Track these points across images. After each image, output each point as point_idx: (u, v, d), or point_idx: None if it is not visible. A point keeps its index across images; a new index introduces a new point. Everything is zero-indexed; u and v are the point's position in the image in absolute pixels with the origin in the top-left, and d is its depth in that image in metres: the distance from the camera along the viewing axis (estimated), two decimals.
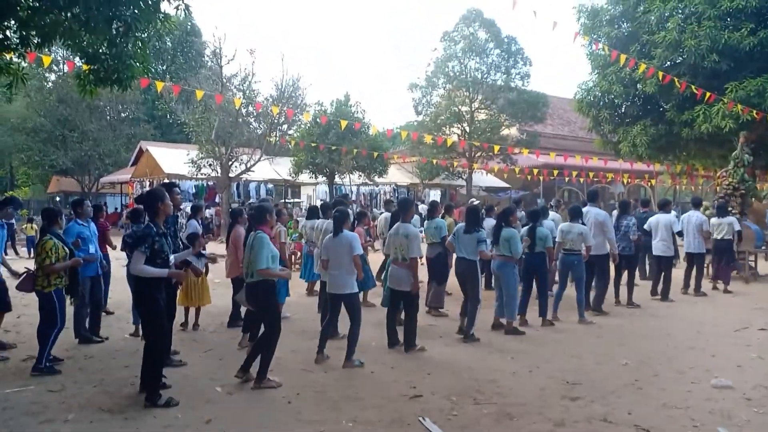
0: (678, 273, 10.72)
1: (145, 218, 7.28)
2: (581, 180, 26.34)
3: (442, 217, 9.36)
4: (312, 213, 9.57)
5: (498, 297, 7.67)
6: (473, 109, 27.09)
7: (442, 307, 8.57)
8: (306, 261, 9.70)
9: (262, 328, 5.61)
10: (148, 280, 4.85)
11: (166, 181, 22.83)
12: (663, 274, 9.90)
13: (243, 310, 6.91)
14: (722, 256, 10.82)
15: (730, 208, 12.71)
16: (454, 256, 7.62)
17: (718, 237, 10.83)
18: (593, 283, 8.90)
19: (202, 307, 7.71)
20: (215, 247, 16.18)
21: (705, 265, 11.07)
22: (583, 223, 8.37)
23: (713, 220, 11.12)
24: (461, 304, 7.42)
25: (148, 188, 25.01)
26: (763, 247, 12.84)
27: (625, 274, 9.58)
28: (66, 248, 5.89)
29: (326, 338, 6.26)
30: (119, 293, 8.88)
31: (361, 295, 7.85)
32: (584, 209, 8.86)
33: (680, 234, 10.17)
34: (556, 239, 8.36)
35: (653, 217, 10.20)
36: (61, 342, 6.47)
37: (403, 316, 6.79)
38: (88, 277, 6.82)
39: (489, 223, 9.10)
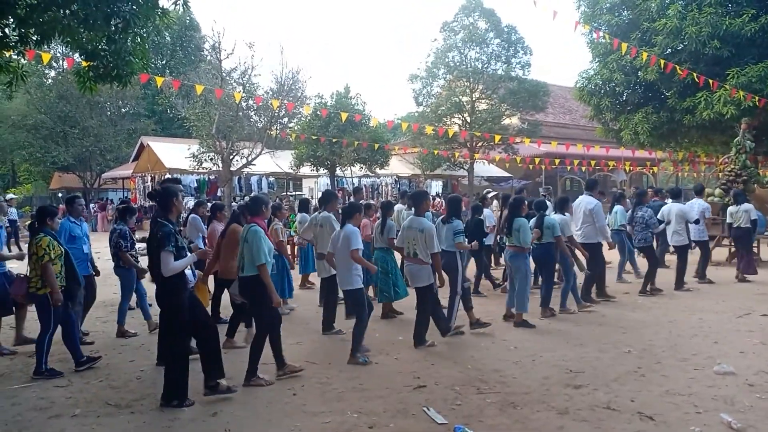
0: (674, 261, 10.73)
1: (126, 218, 7.32)
2: (583, 168, 26.30)
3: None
4: (302, 206, 9.59)
5: (511, 287, 7.60)
6: (474, 99, 27.02)
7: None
8: (300, 254, 9.71)
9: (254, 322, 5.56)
10: (178, 286, 4.79)
11: (168, 176, 22.89)
12: (678, 262, 9.82)
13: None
14: (741, 245, 10.67)
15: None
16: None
17: (735, 225, 10.65)
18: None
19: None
20: None
21: (710, 252, 11.01)
22: (564, 214, 8.33)
23: (730, 208, 10.97)
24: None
25: (150, 183, 25.09)
26: (765, 233, 12.82)
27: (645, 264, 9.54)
28: (61, 247, 5.76)
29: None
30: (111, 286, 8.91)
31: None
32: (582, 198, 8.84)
33: (696, 222, 10.08)
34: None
35: (666, 206, 10.10)
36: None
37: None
38: (83, 276, 6.75)
39: (487, 212, 9.07)
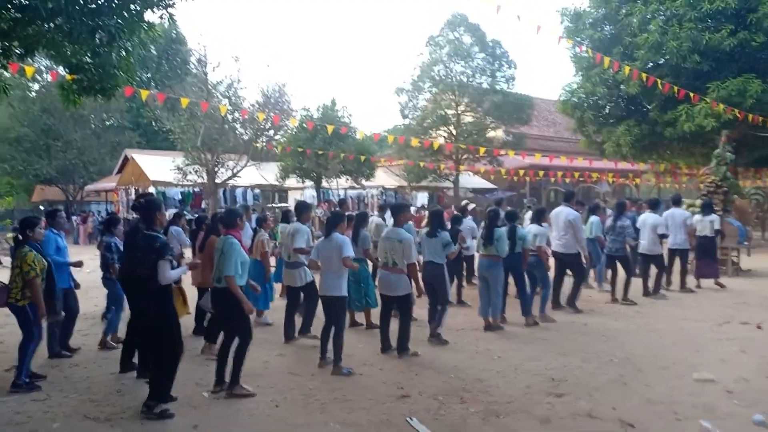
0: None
1: (112, 229, 7.27)
2: (567, 180, 26.56)
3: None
4: (284, 217, 9.60)
5: (483, 298, 7.73)
6: (459, 112, 27.24)
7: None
8: (277, 264, 9.66)
9: (222, 336, 5.54)
10: (168, 293, 4.89)
11: (144, 191, 22.76)
12: (657, 271, 9.98)
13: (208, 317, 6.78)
14: (704, 253, 10.99)
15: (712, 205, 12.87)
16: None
17: (701, 234, 11.00)
18: (567, 281, 9.01)
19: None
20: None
21: (688, 262, 11.18)
22: (542, 225, 8.59)
23: (696, 217, 11.28)
24: (428, 310, 7.25)
25: (133, 196, 24.89)
26: (746, 243, 13.02)
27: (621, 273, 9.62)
28: (45, 260, 5.69)
29: (326, 342, 6.13)
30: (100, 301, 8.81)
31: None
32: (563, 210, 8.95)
33: (663, 236, 10.27)
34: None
35: (641, 217, 10.29)
36: (43, 352, 6.46)
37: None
38: (62, 288, 6.67)
39: (468, 224, 9.16)
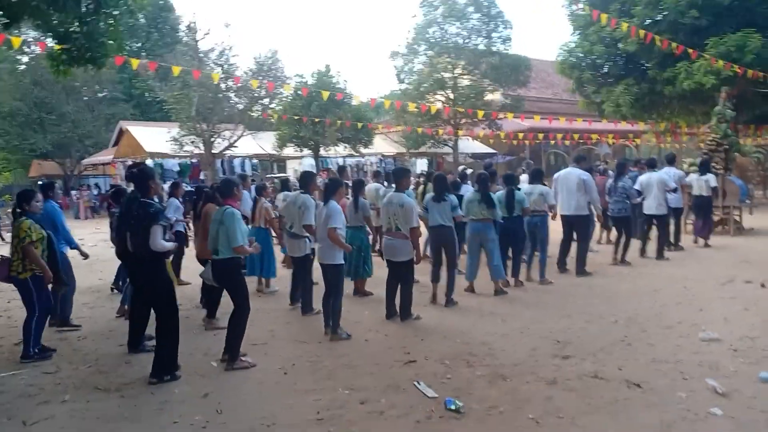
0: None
1: (118, 202, 7.23)
2: (567, 142, 26.41)
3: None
4: (283, 185, 9.55)
5: (472, 262, 7.76)
6: (456, 75, 26.87)
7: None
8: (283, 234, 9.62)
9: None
10: (162, 262, 4.93)
11: (133, 162, 22.59)
12: (659, 232, 9.97)
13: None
14: (700, 212, 11.06)
15: (713, 164, 12.84)
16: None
17: (697, 194, 11.03)
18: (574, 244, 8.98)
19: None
20: None
21: (686, 221, 11.27)
22: (544, 184, 8.57)
23: (692, 176, 11.28)
24: (431, 273, 7.31)
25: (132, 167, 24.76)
26: (747, 201, 13.01)
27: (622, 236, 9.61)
28: (43, 231, 5.69)
29: (329, 311, 6.12)
30: (111, 273, 8.83)
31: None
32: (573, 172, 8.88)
33: (675, 190, 10.23)
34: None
35: (644, 176, 10.17)
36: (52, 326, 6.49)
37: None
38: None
39: (466, 189, 9.17)
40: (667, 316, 6.42)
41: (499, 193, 8.06)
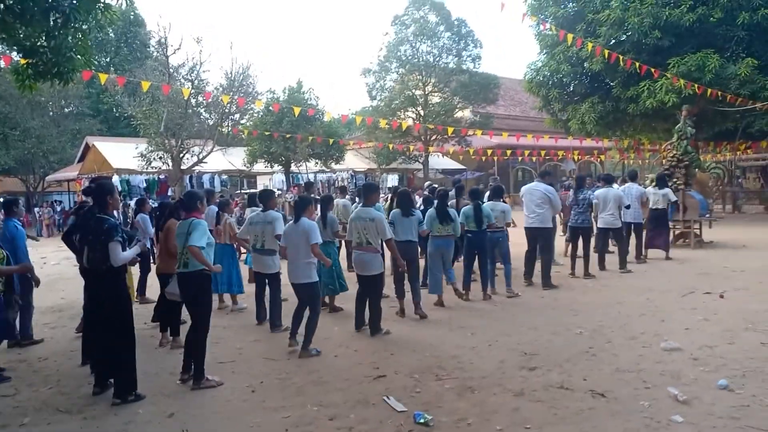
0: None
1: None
2: (533, 159, 26.88)
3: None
4: (250, 201, 9.54)
5: (436, 276, 7.91)
6: (427, 92, 27.22)
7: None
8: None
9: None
10: (122, 277, 4.84)
11: (114, 178, 22.22)
12: (618, 245, 10.29)
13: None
14: (656, 224, 11.40)
15: (674, 179, 13.28)
16: None
17: (653, 207, 11.39)
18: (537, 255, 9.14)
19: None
20: None
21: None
22: (504, 202, 8.93)
23: (650, 189, 11.64)
24: (395, 288, 7.45)
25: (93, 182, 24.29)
26: (707, 216, 13.41)
27: (580, 247, 9.82)
28: (2, 251, 5.55)
29: (298, 324, 6.10)
30: (74, 292, 8.64)
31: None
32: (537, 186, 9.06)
33: (628, 207, 10.51)
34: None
35: (600, 191, 10.43)
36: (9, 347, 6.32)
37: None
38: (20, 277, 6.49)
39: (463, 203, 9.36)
40: (630, 326, 6.55)
41: (466, 208, 8.22)
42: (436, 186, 11.80)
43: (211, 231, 6.87)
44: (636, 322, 6.73)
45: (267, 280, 7.13)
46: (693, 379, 4.85)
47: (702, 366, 5.15)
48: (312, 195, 9.84)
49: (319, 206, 7.90)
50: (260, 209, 7.34)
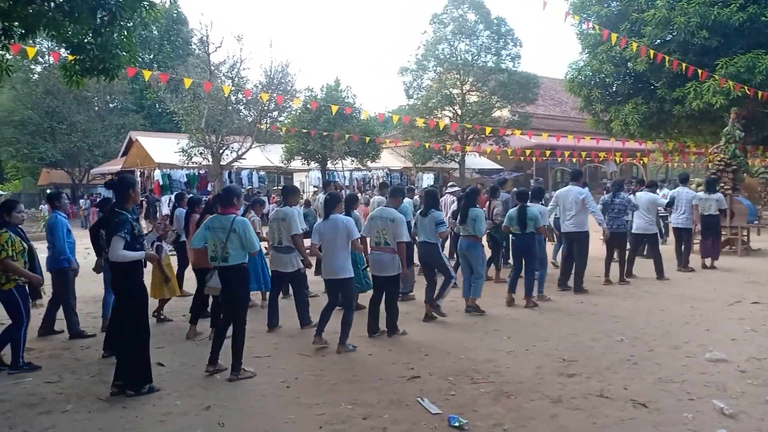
0: (668, 249, 10.89)
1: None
2: (573, 160, 26.36)
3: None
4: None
5: (466, 278, 7.70)
6: (464, 91, 26.98)
7: (410, 291, 8.46)
8: None
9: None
10: (134, 271, 4.85)
11: (156, 173, 22.72)
12: (653, 251, 9.93)
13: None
14: (709, 232, 10.89)
15: (722, 184, 12.79)
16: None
17: (705, 213, 10.92)
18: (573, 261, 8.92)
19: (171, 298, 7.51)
20: None
21: (693, 241, 11.18)
22: (543, 204, 8.64)
23: (701, 194, 11.20)
24: (425, 290, 7.27)
25: (140, 179, 24.90)
26: (755, 222, 12.94)
27: (616, 253, 9.58)
28: (24, 243, 5.63)
29: (325, 322, 6.13)
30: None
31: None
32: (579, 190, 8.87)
33: (669, 206, 10.25)
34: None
35: (637, 194, 10.19)
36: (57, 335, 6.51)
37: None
38: (62, 269, 6.64)
39: (504, 196, 9.23)
40: (674, 335, 6.35)
41: (511, 210, 8.08)
42: (455, 188, 11.57)
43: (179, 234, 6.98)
44: (679, 331, 6.52)
45: (287, 281, 7.07)
46: (740, 392, 4.66)
47: (750, 379, 4.95)
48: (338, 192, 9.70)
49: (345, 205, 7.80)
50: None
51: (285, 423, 4.27)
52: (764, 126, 20.08)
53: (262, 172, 27.20)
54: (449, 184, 12.02)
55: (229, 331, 5.30)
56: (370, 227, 6.57)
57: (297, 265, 6.92)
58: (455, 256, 9.00)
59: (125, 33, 6.56)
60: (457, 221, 7.67)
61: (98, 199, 7.95)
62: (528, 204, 8.00)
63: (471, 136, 26.95)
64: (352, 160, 25.71)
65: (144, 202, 21.52)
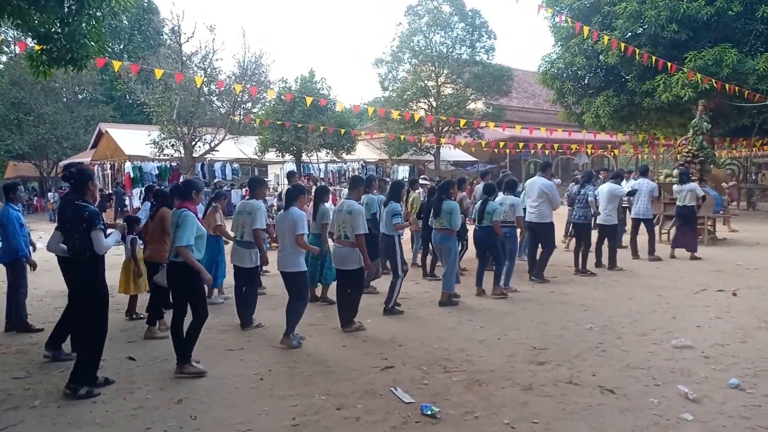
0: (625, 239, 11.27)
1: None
2: (546, 152, 26.69)
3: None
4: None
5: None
6: (439, 83, 27.11)
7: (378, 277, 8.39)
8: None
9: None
10: (96, 266, 4.71)
11: (126, 165, 22.34)
12: (608, 242, 9.92)
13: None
14: (685, 222, 11.05)
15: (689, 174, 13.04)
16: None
17: (680, 204, 11.07)
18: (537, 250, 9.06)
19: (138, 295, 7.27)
20: None
21: (661, 231, 11.38)
22: (516, 195, 8.60)
23: (674, 186, 11.41)
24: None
25: (109, 171, 24.47)
26: (721, 212, 13.26)
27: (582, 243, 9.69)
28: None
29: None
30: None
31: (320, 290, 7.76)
32: (537, 181, 8.99)
33: (630, 194, 10.53)
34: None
35: (600, 187, 10.24)
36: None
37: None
38: (11, 262, 6.52)
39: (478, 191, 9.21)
40: (641, 323, 6.50)
41: (452, 203, 7.90)
42: (425, 182, 11.56)
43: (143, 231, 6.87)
44: (647, 319, 6.68)
45: (246, 276, 6.78)
46: (704, 377, 4.80)
47: (713, 364, 5.10)
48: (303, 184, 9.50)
49: (314, 197, 7.68)
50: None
51: (258, 415, 4.26)
52: (731, 118, 20.61)
53: (235, 165, 26.95)
54: (421, 176, 11.96)
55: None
56: (333, 221, 6.54)
57: (256, 261, 6.66)
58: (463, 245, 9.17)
59: (94, 22, 6.42)
60: (431, 214, 7.64)
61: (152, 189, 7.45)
62: (490, 198, 7.99)
63: (446, 128, 27.10)
64: (327, 152, 25.64)
65: (111, 194, 21.15)
